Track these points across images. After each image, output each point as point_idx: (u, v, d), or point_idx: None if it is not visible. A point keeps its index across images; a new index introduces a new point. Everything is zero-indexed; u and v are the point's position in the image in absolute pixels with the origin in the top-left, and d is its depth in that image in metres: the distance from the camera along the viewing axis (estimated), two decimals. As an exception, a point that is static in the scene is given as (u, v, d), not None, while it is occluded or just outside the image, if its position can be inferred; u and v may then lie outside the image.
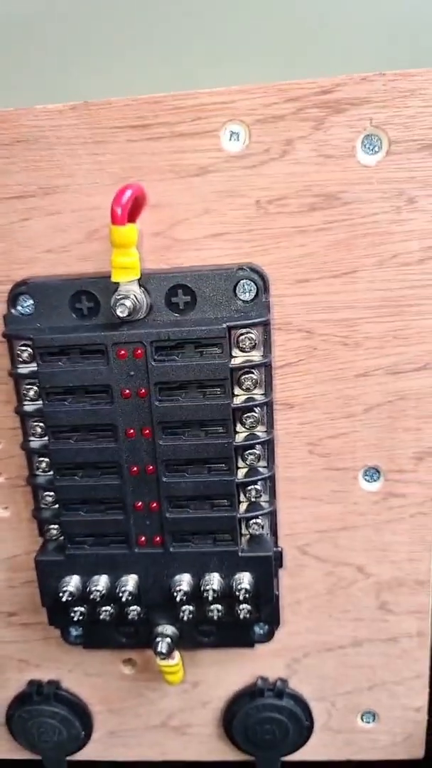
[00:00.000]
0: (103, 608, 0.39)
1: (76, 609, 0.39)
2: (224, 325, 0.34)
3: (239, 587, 0.37)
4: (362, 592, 0.42)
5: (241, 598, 0.37)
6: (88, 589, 0.38)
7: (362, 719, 0.46)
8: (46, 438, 0.37)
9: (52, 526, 0.38)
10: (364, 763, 0.47)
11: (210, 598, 0.37)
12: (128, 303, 0.33)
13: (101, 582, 0.38)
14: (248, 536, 0.38)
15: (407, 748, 0.47)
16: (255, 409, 0.36)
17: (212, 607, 0.38)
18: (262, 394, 0.36)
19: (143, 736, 0.47)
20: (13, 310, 0.36)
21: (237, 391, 0.36)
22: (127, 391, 0.35)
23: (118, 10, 0.38)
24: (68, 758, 0.48)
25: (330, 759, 0.47)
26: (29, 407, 0.37)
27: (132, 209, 0.33)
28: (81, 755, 0.48)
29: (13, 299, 0.36)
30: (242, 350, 0.35)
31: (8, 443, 0.40)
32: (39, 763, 0.48)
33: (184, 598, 0.37)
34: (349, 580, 0.42)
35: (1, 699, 0.47)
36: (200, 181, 0.35)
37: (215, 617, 0.38)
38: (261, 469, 0.37)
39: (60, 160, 0.35)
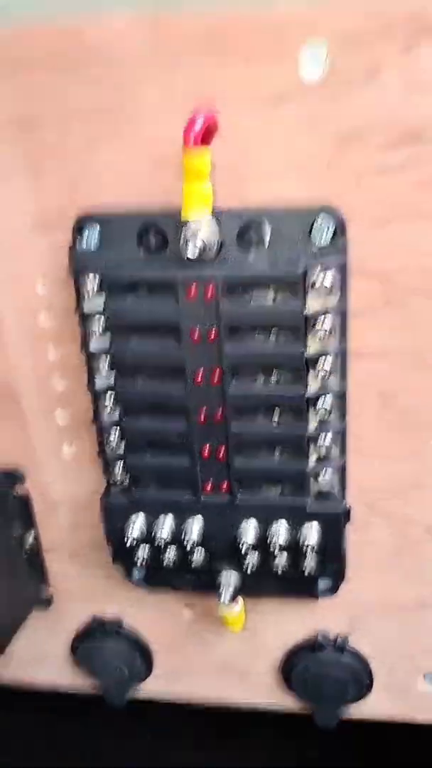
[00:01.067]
0: (167, 552, 0.39)
1: (140, 551, 0.39)
2: (301, 268, 0.32)
3: (305, 542, 0.36)
4: (431, 553, 0.40)
5: (306, 552, 0.36)
6: (152, 533, 0.38)
7: (425, 680, 0.45)
8: (112, 377, 0.36)
9: (118, 467, 0.38)
10: (421, 727, 0.47)
11: (275, 550, 0.37)
12: (198, 242, 0.31)
13: (166, 527, 0.38)
14: (317, 491, 0.37)
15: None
16: (328, 357, 0.34)
17: (277, 559, 0.38)
18: (336, 343, 0.34)
19: (202, 678, 0.48)
20: (80, 245, 0.35)
21: (310, 338, 0.34)
22: (197, 332, 0.34)
23: None
24: (129, 696, 0.50)
25: (388, 717, 0.47)
26: (96, 345, 0.36)
27: (203, 137, 0.31)
28: (141, 693, 0.50)
29: (79, 232, 0.35)
30: (317, 294, 0.33)
31: (73, 381, 0.40)
32: (100, 699, 0.50)
33: (249, 548, 0.37)
34: (416, 540, 0.40)
35: (66, 631, 0.48)
36: (276, 111, 0.33)
37: (279, 570, 0.38)
38: (333, 422, 0.36)
39: (128, 81, 0.33)
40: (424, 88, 0.31)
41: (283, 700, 0.47)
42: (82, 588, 0.47)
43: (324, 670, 0.44)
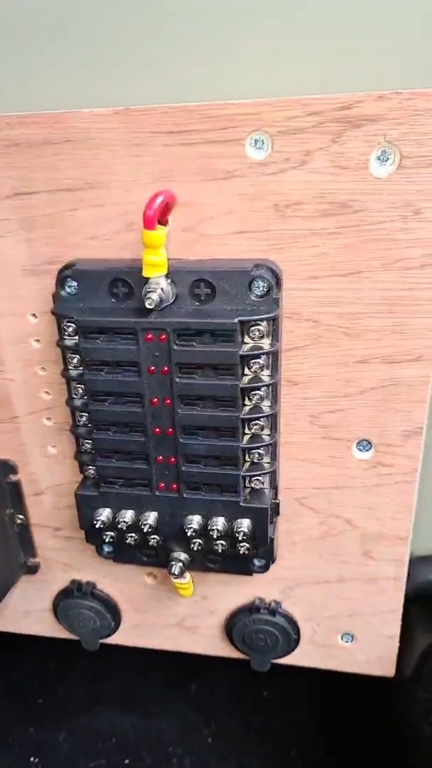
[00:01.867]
0: (129, 535, 0.48)
1: (107, 533, 0.48)
2: (236, 320, 0.39)
3: (239, 530, 0.45)
4: (349, 540, 0.49)
5: (240, 538, 0.45)
6: (116, 520, 0.46)
7: (342, 639, 0.54)
8: (86, 398, 0.44)
9: (90, 467, 0.47)
10: (341, 674, 0.56)
11: (215, 536, 0.45)
12: (155, 297, 0.38)
13: (128, 515, 0.46)
14: (250, 489, 0.45)
15: (380, 666, 0.55)
16: (261, 388, 0.42)
17: (217, 542, 0.46)
18: (268, 376, 0.42)
19: (161, 631, 0.58)
20: (61, 291, 0.42)
21: (246, 371, 0.42)
22: (153, 368, 0.41)
23: (156, 22, 0.41)
24: (101, 641, 0.59)
25: (315, 666, 0.57)
26: (73, 372, 0.44)
27: (162, 212, 0.38)
28: (111, 640, 0.59)
29: (61, 281, 0.42)
30: (252, 338, 0.41)
31: (57, 396, 0.48)
32: (78, 643, 0.60)
33: (194, 534, 0.45)
34: (338, 530, 0.49)
35: (49, 591, 0.58)
36: (226, 184, 0.39)
37: (220, 550, 0.46)
38: (264, 437, 0.44)
39: (104, 159, 0.40)
40: (347, 169, 0.38)
41: (225, 650, 0.57)
42: (63, 558, 0.56)
43: (259, 628, 0.53)
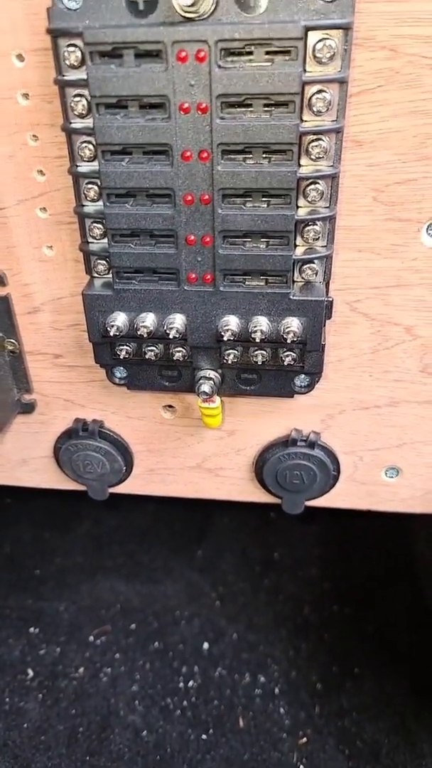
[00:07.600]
0: (149, 348, 0.39)
1: (122, 347, 0.39)
2: (301, 24, 0.29)
3: (287, 330, 0.37)
4: (407, 353, 0.42)
5: (288, 341, 0.37)
6: (135, 326, 0.38)
7: (386, 474, 0.48)
8: (95, 162, 0.34)
9: (101, 260, 0.37)
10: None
11: (258, 339, 0.37)
12: (192, -12, 0.28)
13: (148, 319, 0.38)
14: (301, 283, 0.37)
15: (425, 503, 0.50)
16: (323, 136, 0.33)
17: (258, 352, 0.38)
18: (332, 121, 0.33)
19: (179, 475, 0.51)
20: (59, 3, 0.31)
21: (305, 116, 0.32)
22: (186, 104, 0.31)
23: None
24: (111, 491, 0.52)
25: (352, 507, 0.51)
26: (78, 125, 0.33)
27: None
28: (123, 489, 0.52)
29: None
30: (319, 62, 0.31)
31: (53, 174, 0.38)
32: (84, 494, 0.53)
33: (232, 338, 0.37)
34: (395, 341, 0.42)
35: (48, 434, 0.50)
36: None
37: (260, 362, 0.39)
38: (322, 210, 0.35)
39: None
40: None
41: (252, 494, 0.51)
42: (65, 393, 0.47)
43: (295, 464, 0.47)
